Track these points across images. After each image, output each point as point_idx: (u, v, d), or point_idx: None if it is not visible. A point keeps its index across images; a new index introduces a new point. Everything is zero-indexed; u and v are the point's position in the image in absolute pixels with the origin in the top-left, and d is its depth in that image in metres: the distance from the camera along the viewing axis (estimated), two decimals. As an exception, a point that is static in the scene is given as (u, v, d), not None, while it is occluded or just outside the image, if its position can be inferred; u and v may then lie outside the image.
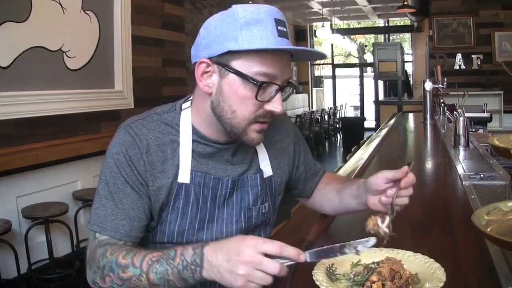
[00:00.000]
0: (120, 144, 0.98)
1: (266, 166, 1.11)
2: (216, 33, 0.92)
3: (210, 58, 0.94)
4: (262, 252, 0.78)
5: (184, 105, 1.04)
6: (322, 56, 1.05)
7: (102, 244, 0.94)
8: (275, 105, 0.94)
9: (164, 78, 4.58)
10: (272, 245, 0.78)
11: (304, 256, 0.80)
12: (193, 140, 1.01)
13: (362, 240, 0.90)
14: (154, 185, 0.99)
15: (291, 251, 0.79)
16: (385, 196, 0.99)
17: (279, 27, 0.91)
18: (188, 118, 1.02)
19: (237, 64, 0.91)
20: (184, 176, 1.00)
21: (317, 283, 0.82)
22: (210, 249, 0.82)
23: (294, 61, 1.01)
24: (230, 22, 0.90)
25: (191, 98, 1.05)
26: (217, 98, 0.96)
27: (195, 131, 1.02)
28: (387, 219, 0.91)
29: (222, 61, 0.92)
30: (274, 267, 0.77)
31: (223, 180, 1.03)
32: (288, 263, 0.79)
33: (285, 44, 0.92)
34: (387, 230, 0.90)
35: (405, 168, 0.97)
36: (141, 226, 0.99)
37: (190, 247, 0.84)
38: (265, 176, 1.10)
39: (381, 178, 1.00)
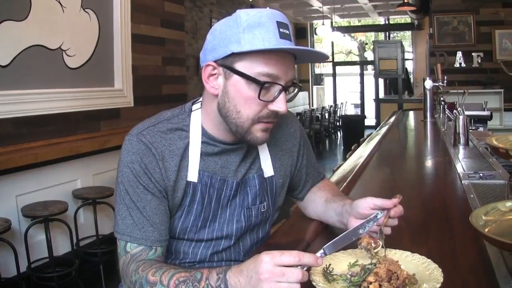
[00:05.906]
0: (134, 153, 1.00)
1: (267, 166, 1.13)
2: (221, 37, 0.95)
3: (216, 61, 0.97)
4: (280, 264, 0.76)
5: (194, 107, 1.07)
6: (324, 57, 1.05)
7: (135, 260, 0.96)
8: (278, 105, 0.96)
9: (164, 76, 4.58)
10: (290, 255, 0.76)
11: (322, 260, 0.80)
12: (202, 141, 1.04)
13: (370, 217, 0.95)
14: (172, 188, 1.01)
15: (309, 258, 0.78)
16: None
17: (281, 29, 0.94)
18: (198, 119, 1.05)
19: (240, 65, 0.94)
20: (192, 175, 1.03)
21: (314, 283, 0.82)
22: (232, 274, 0.81)
23: (298, 63, 1.03)
24: (234, 26, 0.94)
25: (200, 100, 1.08)
26: (223, 99, 0.98)
27: (204, 133, 1.05)
28: (380, 244, 0.91)
29: (227, 63, 0.96)
30: (297, 274, 0.75)
31: (228, 182, 1.06)
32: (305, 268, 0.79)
33: (288, 45, 0.94)
34: (378, 256, 0.90)
35: (395, 200, 0.97)
36: (167, 228, 1.02)
37: (215, 271, 0.84)
38: (265, 176, 1.12)
39: (369, 203, 1.01)
